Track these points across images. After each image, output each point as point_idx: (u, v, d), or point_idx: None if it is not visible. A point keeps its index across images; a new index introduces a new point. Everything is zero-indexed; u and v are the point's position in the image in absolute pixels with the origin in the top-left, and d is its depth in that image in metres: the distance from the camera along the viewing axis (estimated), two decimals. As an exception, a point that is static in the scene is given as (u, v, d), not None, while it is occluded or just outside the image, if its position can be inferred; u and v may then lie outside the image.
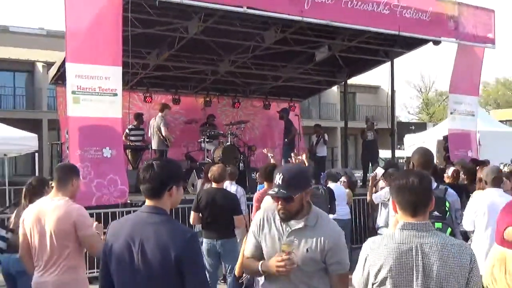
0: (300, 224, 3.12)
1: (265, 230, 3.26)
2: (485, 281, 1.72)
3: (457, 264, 2.61)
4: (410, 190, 2.72)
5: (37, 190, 5.40)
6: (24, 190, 5.53)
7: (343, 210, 9.57)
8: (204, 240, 6.79)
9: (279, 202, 3.09)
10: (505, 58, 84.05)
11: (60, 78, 13.39)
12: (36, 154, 13.88)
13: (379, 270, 2.67)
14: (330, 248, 3.06)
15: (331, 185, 9.71)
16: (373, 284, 2.72)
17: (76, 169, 4.97)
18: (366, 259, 2.74)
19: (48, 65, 24.44)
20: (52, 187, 5.39)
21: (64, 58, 9.45)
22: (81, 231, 4.31)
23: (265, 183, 8.13)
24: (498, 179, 6.10)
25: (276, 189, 3.11)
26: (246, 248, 3.43)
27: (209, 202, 6.78)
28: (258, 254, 3.29)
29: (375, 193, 8.70)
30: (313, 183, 5.13)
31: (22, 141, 11.94)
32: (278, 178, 3.12)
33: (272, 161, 9.48)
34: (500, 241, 1.65)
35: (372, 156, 15.56)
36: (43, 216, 4.41)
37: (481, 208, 5.78)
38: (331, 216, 9.10)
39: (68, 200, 4.47)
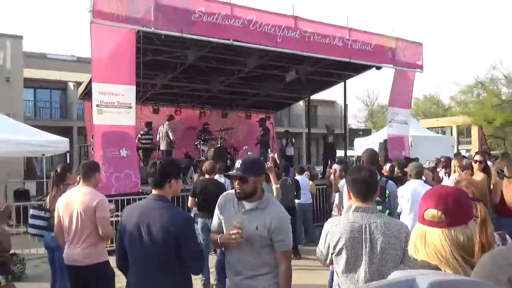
0: (253, 206, 3.02)
1: (226, 209, 3.16)
2: (410, 251, 1.75)
3: (396, 239, 2.69)
4: (362, 182, 2.82)
5: (62, 175, 5.50)
6: (52, 175, 5.61)
7: (306, 196, 9.68)
8: (199, 220, 6.84)
9: (236, 182, 3.01)
10: (430, 79, 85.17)
11: (87, 94, 13.29)
12: (68, 154, 13.77)
13: (337, 243, 2.75)
14: (275, 228, 2.93)
15: (297, 177, 9.78)
16: (332, 254, 2.80)
17: (97, 165, 4.99)
18: (327, 235, 2.83)
19: (77, 84, 24.32)
20: (76, 172, 5.53)
21: (90, 79, 9.42)
22: (99, 213, 4.32)
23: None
24: (419, 173, 6.19)
25: (235, 171, 3.08)
26: (212, 224, 3.33)
27: (203, 189, 6.83)
28: (220, 229, 3.18)
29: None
30: (271, 172, 5.18)
31: (57, 143, 11.85)
32: (237, 163, 3.11)
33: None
34: (421, 220, 1.67)
35: (332, 155, 15.66)
36: (72, 202, 4.44)
37: (406, 195, 5.86)
38: (296, 201, 9.22)
39: (92, 189, 4.50)
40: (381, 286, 0.59)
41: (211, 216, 3.23)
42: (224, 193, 3.29)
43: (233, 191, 3.13)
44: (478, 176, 6.50)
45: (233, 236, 2.89)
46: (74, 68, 31.57)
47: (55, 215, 4.65)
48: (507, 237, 2.42)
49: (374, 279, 2.63)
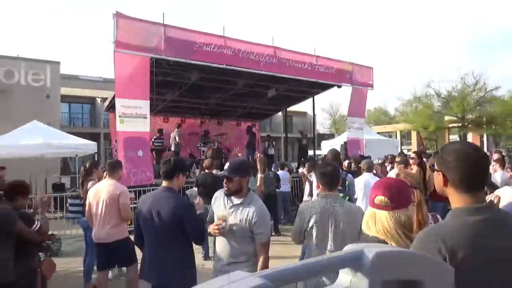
0: (239, 201, 2.83)
1: (216, 203, 2.98)
2: (363, 228, 1.76)
3: (354, 219, 2.72)
4: (328, 174, 2.85)
5: (89, 170, 5.50)
6: (82, 170, 5.65)
7: (285, 186, 9.66)
8: (202, 206, 6.81)
9: (225, 181, 2.84)
10: (379, 95, 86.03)
11: (111, 107, 13.15)
12: (96, 154, 13.62)
13: (308, 221, 2.76)
14: (256, 222, 2.72)
15: (279, 171, 9.78)
16: (305, 230, 2.80)
17: (120, 163, 4.98)
18: (301, 215, 2.82)
19: (104, 99, 24.16)
20: (101, 168, 5.54)
21: (114, 95, 9.36)
22: (121, 199, 4.34)
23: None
24: (370, 167, 6.25)
25: (224, 172, 3.03)
26: (208, 216, 3.12)
27: (203, 181, 6.78)
28: (212, 220, 2.98)
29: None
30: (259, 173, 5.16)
31: (87, 146, 11.75)
32: (226, 165, 3.04)
33: (239, 155, 9.50)
34: (371, 204, 1.68)
35: (304, 154, 15.72)
36: (100, 192, 4.43)
37: (359, 185, 5.91)
38: (278, 189, 9.24)
39: (116, 182, 4.51)
40: (336, 256, 0.59)
41: (209, 202, 3.18)
42: (219, 190, 3.04)
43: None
44: (414, 169, 6.65)
45: (216, 227, 2.76)
46: (101, 87, 31.36)
47: (86, 203, 4.65)
48: (438, 217, 2.45)
49: (339, 249, 2.65)
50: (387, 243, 1.63)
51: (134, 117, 8.76)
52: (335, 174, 2.91)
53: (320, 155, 21.50)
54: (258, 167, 4.97)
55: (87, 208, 4.61)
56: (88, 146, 11.80)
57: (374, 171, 6.73)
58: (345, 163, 8.27)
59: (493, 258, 1.31)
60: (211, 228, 2.85)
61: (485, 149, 30.95)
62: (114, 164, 4.74)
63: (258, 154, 10.30)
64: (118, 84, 8.67)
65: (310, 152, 17.83)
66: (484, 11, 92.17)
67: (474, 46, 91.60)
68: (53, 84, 19.94)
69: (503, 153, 9.41)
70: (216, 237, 2.92)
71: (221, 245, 2.87)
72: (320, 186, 2.89)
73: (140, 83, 8.82)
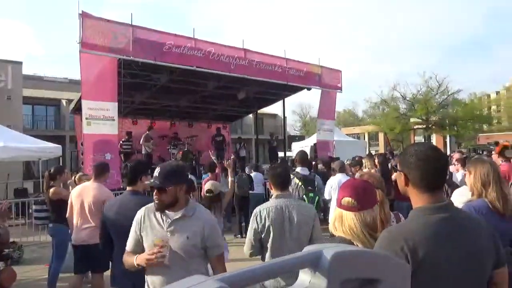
0: (179, 214, 2.30)
1: (146, 224, 2.36)
2: (330, 228, 1.80)
3: (307, 216, 2.81)
4: (278, 176, 2.94)
5: (53, 175, 5.31)
6: (46, 175, 5.42)
7: (259, 188, 9.60)
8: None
9: (155, 192, 2.28)
10: (348, 97, 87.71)
11: (77, 109, 12.78)
12: (61, 158, 13.18)
13: (264, 221, 2.79)
14: (209, 233, 2.29)
15: (253, 173, 9.75)
16: (260, 232, 2.81)
17: (108, 166, 4.91)
18: (256, 217, 2.83)
19: (69, 101, 23.44)
20: (68, 172, 5.42)
21: (80, 97, 9.10)
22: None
23: (209, 173, 8.11)
24: (343, 168, 6.38)
25: (152, 180, 2.30)
26: (128, 243, 2.45)
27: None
28: (138, 249, 2.37)
29: None
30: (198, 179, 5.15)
31: (52, 150, 11.38)
32: (156, 171, 2.31)
33: (213, 158, 9.39)
34: (339, 205, 1.71)
35: (274, 155, 15.82)
36: (84, 194, 4.40)
37: (333, 185, 6.02)
38: (251, 192, 9.20)
39: (102, 185, 4.52)
40: (296, 257, 0.60)
41: None
42: (144, 206, 2.46)
43: (153, 204, 2.37)
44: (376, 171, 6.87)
45: (154, 256, 2.14)
46: (66, 88, 30.43)
47: (68, 204, 4.58)
48: (401, 216, 2.52)
49: (295, 246, 2.72)
50: (353, 243, 1.67)
51: (101, 120, 8.55)
52: (286, 175, 3.00)
53: (290, 156, 21.71)
54: (229, 169, 4.97)
55: (68, 208, 4.55)
56: (52, 149, 11.41)
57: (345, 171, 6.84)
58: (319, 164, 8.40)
59: (453, 256, 1.37)
60: (141, 260, 2.21)
61: (448, 150, 32.26)
62: (102, 167, 4.69)
63: (232, 157, 10.33)
64: (85, 86, 8.44)
65: (281, 154, 17.96)
66: (447, 22, 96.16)
67: (438, 51, 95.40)
68: (14, 85, 19.19)
69: (464, 154, 9.82)
70: (148, 269, 2.30)
71: (161, 277, 2.26)
72: (273, 187, 2.96)
73: (107, 84, 8.61)
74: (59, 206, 4.99)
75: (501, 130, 43.39)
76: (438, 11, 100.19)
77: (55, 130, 28.20)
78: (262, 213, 2.82)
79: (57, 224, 5.11)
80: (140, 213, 2.44)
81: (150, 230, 2.34)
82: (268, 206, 2.84)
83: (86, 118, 8.40)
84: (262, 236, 2.81)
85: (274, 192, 2.96)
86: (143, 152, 12.93)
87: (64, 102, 27.98)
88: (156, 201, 2.29)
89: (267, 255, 2.82)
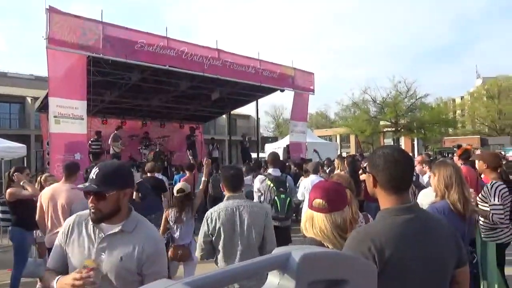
0: (116, 229, 1.80)
1: (73, 237, 1.85)
2: (302, 230, 1.82)
3: (258, 216, 2.84)
4: (230, 177, 2.96)
5: (11, 176, 5.13)
6: (6, 176, 5.24)
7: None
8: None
9: (91, 199, 1.77)
10: (320, 100, 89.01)
11: (43, 107, 12.35)
12: (25, 158, 12.67)
13: (215, 224, 2.80)
14: (149, 257, 1.78)
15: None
16: (211, 234, 2.81)
17: (78, 166, 4.82)
18: (207, 219, 2.85)
19: (35, 98, 22.59)
20: (27, 175, 5.22)
21: (47, 94, 8.81)
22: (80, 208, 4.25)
23: (181, 173, 8.09)
24: (316, 169, 6.46)
25: (87, 184, 1.79)
26: (50, 258, 1.97)
27: (145, 185, 6.57)
28: (62, 266, 1.84)
29: None
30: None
31: (15, 149, 10.94)
32: (93, 173, 1.80)
33: (190, 157, 9.30)
34: (310, 207, 1.74)
35: (247, 156, 15.83)
36: (57, 196, 4.27)
37: (307, 186, 6.08)
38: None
39: (73, 185, 4.36)
40: (264, 259, 0.60)
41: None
42: (76, 213, 2.00)
43: (87, 211, 1.86)
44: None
45: (81, 282, 1.61)
46: (31, 85, 29.34)
47: (38, 206, 4.40)
48: (369, 216, 2.58)
49: (247, 247, 2.77)
50: (323, 244, 1.69)
51: (70, 118, 8.29)
52: (238, 176, 3.02)
53: (264, 157, 21.79)
54: (206, 168, 4.93)
55: (38, 211, 4.39)
56: (16, 149, 10.97)
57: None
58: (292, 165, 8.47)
59: (418, 255, 1.41)
60: (62, 285, 1.66)
61: (415, 152, 33.29)
62: (71, 166, 4.58)
63: (206, 158, 10.28)
64: (52, 83, 8.15)
65: (254, 155, 17.99)
66: (416, 29, 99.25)
67: (407, 57, 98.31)
68: (-24, 81, 18.34)
69: (431, 156, 10.15)
70: None
71: None
72: (225, 188, 2.97)
73: (76, 82, 8.36)
74: (17, 208, 4.82)
75: (465, 133, 45.28)
76: (407, 19, 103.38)
77: (19, 129, 27.14)
78: (213, 215, 2.83)
79: (15, 227, 4.92)
80: (68, 222, 1.93)
81: (77, 245, 1.83)
82: (220, 208, 2.85)
83: (54, 117, 8.11)
84: (213, 238, 2.81)
85: (226, 194, 2.97)
86: (111, 152, 12.59)
87: (29, 99, 26.97)
88: (92, 210, 1.78)
89: (219, 257, 2.81)
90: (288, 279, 0.62)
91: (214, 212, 2.83)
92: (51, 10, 7.91)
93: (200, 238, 2.85)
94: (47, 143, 9.60)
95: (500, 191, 3.74)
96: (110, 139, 12.63)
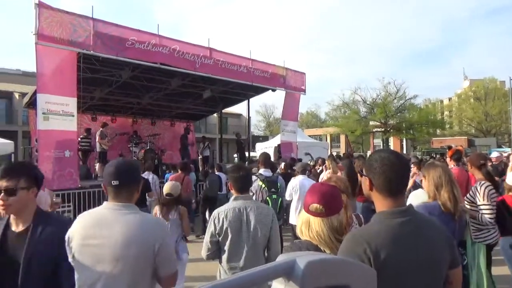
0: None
1: None
2: (297, 233, 1.82)
3: (264, 218, 2.84)
4: (239, 178, 2.92)
5: None
6: None
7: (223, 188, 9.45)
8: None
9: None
10: (311, 99, 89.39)
11: (31, 104, 12.18)
12: (13, 155, 12.50)
13: (222, 224, 2.79)
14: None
15: (217, 173, 9.64)
16: (218, 234, 2.81)
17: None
18: (214, 219, 2.83)
19: (23, 94, 22.23)
20: None
21: (35, 90, 8.66)
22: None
23: (179, 171, 8.15)
24: (304, 170, 6.47)
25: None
26: None
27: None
28: None
29: None
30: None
31: (2, 146, 10.78)
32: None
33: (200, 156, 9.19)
34: (306, 210, 1.73)
35: (243, 155, 15.80)
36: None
37: (294, 187, 6.10)
38: (223, 193, 9.06)
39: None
40: (269, 267, 0.60)
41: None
42: None
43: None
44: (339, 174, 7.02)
45: None
46: (19, 81, 28.90)
47: None
48: (361, 216, 2.61)
49: (252, 248, 2.76)
50: (320, 248, 1.70)
51: (60, 115, 8.18)
52: (247, 178, 3.02)
53: (255, 157, 21.81)
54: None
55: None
56: (3, 145, 10.82)
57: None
58: (281, 165, 8.45)
59: (412, 257, 1.43)
60: None
61: (404, 152, 33.65)
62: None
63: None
64: (41, 79, 8.02)
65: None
66: (406, 32, 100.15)
67: (396, 58, 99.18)
68: (-38, 76, 18.00)
69: (418, 157, 10.27)
70: None
71: None
72: (233, 189, 2.96)
73: (67, 79, 8.24)
74: None
75: (453, 134, 45.91)
76: (397, 20, 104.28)
77: (6, 124, 26.74)
78: (220, 215, 2.82)
79: None
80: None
81: None
82: (227, 209, 2.84)
83: (43, 113, 7.99)
84: (220, 238, 2.80)
85: (233, 194, 2.96)
86: (98, 150, 12.39)
87: (16, 95, 26.59)
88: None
89: (224, 257, 2.80)
90: (293, 286, 0.62)
91: (221, 212, 2.82)
92: (40, 5, 7.78)
93: (206, 238, 2.84)
94: (36, 140, 9.46)
95: (489, 191, 3.78)
96: (97, 137, 12.46)
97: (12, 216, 1.93)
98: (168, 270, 1.88)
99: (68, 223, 1.94)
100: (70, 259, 1.81)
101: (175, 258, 2.09)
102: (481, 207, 3.73)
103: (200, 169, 13.12)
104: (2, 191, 1.83)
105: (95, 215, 1.90)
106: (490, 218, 3.69)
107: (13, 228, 1.92)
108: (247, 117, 17.85)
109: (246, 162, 11.10)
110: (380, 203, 1.54)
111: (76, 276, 1.82)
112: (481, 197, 3.76)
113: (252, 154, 19.12)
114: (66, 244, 1.83)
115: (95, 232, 1.80)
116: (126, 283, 1.76)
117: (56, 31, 7.96)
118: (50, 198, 4.39)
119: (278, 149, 14.67)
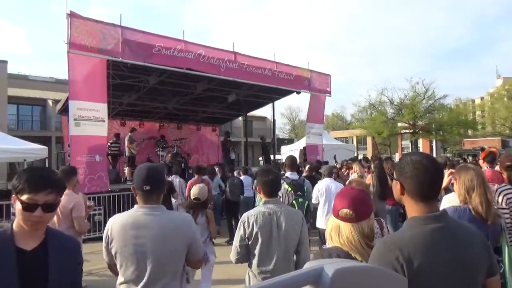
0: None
1: None
2: (327, 239, 1.78)
3: (295, 222, 2.80)
4: (269, 182, 2.87)
5: None
6: None
7: (249, 191, 9.49)
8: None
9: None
10: (337, 101, 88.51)
11: (64, 110, 12.61)
12: (46, 159, 12.95)
13: (252, 228, 2.75)
14: None
15: (242, 176, 9.68)
16: (247, 238, 2.79)
17: (75, 169, 4.69)
18: (244, 223, 2.80)
19: (56, 101, 23.08)
20: None
21: (67, 97, 8.98)
22: (75, 213, 4.09)
23: (195, 175, 8.17)
24: (330, 173, 6.40)
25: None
26: None
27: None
28: None
29: None
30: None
31: (37, 151, 11.18)
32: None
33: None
34: (336, 216, 1.69)
35: (268, 157, 15.75)
36: None
37: (321, 190, 6.04)
38: (246, 196, 9.10)
39: (70, 191, 4.18)
40: (298, 274, 0.58)
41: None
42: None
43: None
44: (369, 177, 6.88)
45: None
46: (52, 88, 30.00)
47: None
48: (382, 221, 2.54)
49: (283, 252, 2.73)
50: (350, 255, 1.65)
51: (91, 120, 8.44)
52: (277, 182, 2.97)
53: (280, 159, 21.75)
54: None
55: None
56: (37, 150, 11.21)
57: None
58: (306, 168, 8.37)
59: (447, 265, 1.37)
60: None
61: (434, 154, 32.71)
62: (68, 170, 4.46)
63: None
64: (73, 86, 8.31)
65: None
66: (434, 30, 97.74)
67: (425, 58, 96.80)
68: (-1, 84, 18.86)
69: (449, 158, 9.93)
70: None
71: None
72: (262, 193, 2.92)
73: (97, 85, 8.51)
74: None
75: (485, 135, 44.24)
76: (425, 19, 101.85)
77: (41, 131, 27.79)
78: (250, 219, 2.79)
79: None
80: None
81: None
82: (256, 212, 2.81)
83: (75, 119, 8.27)
84: (249, 242, 2.78)
85: (262, 198, 2.92)
86: (126, 154, 12.62)
87: (50, 102, 27.59)
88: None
89: (254, 261, 2.78)
90: (321, 293, 0.61)
91: (251, 216, 2.80)
92: (72, 15, 8.07)
93: (235, 242, 2.82)
94: (68, 145, 9.78)
95: (505, 195, 3.61)
96: (126, 142, 12.73)
97: (20, 230, 1.59)
98: (197, 256, 2.32)
99: (78, 244, 1.86)
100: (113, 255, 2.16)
101: (201, 245, 2.49)
102: (499, 210, 3.59)
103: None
104: (40, 206, 1.55)
105: (131, 218, 2.17)
106: (506, 222, 3.54)
107: (21, 245, 1.57)
108: (272, 120, 17.87)
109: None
110: (412, 208, 1.48)
111: (121, 271, 2.15)
112: (500, 201, 3.60)
113: (277, 157, 19.09)
114: (106, 245, 2.18)
115: (136, 233, 2.12)
116: (170, 272, 2.15)
117: (86, 39, 8.23)
118: (84, 201, 4.51)
119: (303, 151, 14.57)
